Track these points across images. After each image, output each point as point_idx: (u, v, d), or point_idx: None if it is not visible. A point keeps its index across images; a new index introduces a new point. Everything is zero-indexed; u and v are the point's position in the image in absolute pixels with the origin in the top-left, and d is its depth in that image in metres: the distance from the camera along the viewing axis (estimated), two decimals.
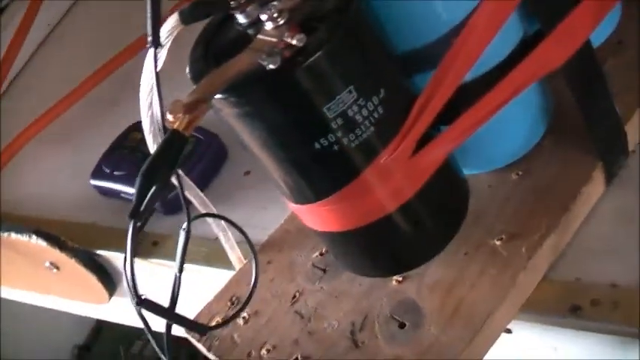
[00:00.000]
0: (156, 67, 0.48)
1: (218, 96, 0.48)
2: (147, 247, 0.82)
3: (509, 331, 0.61)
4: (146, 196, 0.45)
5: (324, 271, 0.65)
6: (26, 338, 1.77)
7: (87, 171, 0.93)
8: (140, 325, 0.51)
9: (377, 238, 0.57)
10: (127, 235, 0.47)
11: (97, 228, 0.89)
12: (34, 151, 1.07)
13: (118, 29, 1.17)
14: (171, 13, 0.49)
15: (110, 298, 0.91)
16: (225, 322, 0.58)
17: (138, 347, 1.87)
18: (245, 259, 0.68)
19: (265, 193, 0.74)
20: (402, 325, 0.58)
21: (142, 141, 0.55)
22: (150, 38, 0.47)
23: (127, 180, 0.87)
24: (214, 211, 0.64)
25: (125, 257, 0.48)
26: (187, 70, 0.51)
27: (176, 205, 0.75)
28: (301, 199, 0.55)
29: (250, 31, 0.50)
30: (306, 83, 0.47)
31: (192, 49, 0.52)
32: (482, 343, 0.56)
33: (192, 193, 0.62)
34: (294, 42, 0.46)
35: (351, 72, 0.49)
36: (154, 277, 0.76)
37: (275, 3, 0.47)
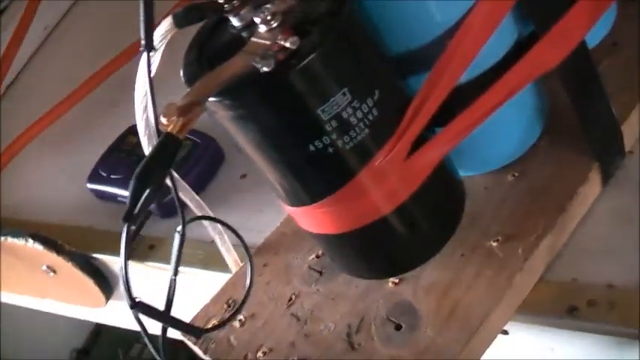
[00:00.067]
0: (149, 70, 0.48)
1: (212, 99, 0.48)
2: (143, 250, 0.82)
3: (506, 333, 0.60)
4: (140, 199, 0.44)
5: (321, 273, 0.64)
6: (25, 342, 1.77)
7: (84, 175, 0.93)
8: (137, 328, 0.51)
9: (373, 241, 0.57)
10: (123, 240, 0.47)
11: (93, 231, 0.89)
12: (31, 155, 1.07)
13: (117, 31, 1.16)
14: (168, 14, 0.49)
15: (107, 302, 0.91)
16: (220, 325, 0.58)
17: (137, 350, 1.87)
18: (241, 261, 0.68)
19: (261, 196, 0.74)
20: (398, 327, 0.58)
21: (139, 144, 0.55)
22: (143, 42, 0.47)
23: (124, 183, 0.86)
24: (210, 214, 0.64)
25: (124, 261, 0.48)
26: (181, 73, 0.51)
27: (172, 208, 0.74)
28: (296, 201, 0.55)
29: (244, 34, 0.50)
30: (300, 86, 0.47)
31: (186, 52, 0.52)
32: (479, 345, 0.56)
33: (188, 196, 0.62)
34: (287, 45, 0.46)
35: (344, 74, 0.49)
36: (150, 280, 0.76)
37: (268, 6, 0.47)
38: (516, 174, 0.62)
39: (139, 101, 0.53)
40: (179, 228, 0.52)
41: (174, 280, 0.53)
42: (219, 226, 0.65)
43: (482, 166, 0.63)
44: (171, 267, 0.53)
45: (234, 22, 0.50)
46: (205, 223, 0.64)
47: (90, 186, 0.92)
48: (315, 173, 0.52)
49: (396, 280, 0.60)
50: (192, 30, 0.53)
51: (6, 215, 0.98)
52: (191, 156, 0.84)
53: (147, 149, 0.54)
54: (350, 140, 0.50)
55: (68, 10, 1.35)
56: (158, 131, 0.50)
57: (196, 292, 0.69)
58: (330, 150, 0.50)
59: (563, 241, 0.60)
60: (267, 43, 0.46)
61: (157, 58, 0.50)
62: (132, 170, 0.45)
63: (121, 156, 0.90)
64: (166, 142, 0.45)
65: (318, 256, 0.66)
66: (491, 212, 0.61)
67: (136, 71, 0.51)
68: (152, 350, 0.53)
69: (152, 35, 0.47)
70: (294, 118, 0.49)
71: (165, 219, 0.83)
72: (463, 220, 0.60)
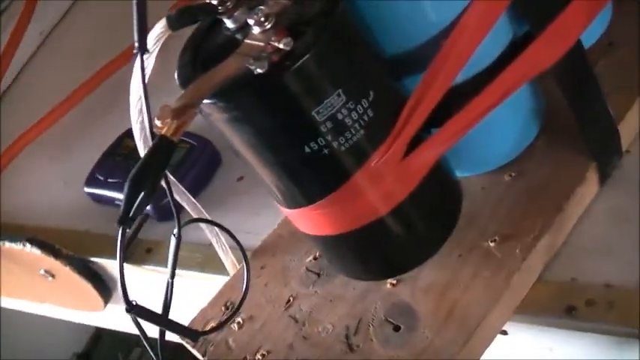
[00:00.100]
0: (143, 72, 0.48)
1: (207, 101, 0.48)
2: (141, 254, 0.82)
3: (504, 333, 0.60)
4: (135, 202, 0.44)
5: (318, 275, 0.64)
6: (26, 347, 1.77)
7: (81, 179, 0.93)
8: (136, 332, 0.51)
9: (370, 242, 0.57)
10: (115, 242, 0.47)
11: (91, 235, 0.89)
12: (28, 160, 1.07)
13: (113, 35, 1.16)
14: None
15: (105, 306, 0.91)
16: (216, 328, 0.58)
17: (137, 354, 1.87)
18: (239, 264, 0.68)
19: (258, 199, 0.74)
20: (396, 328, 0.57)
21: (135, 148, 0.55)
22: (136, 44, 0.46)
23: (121, 187, 0.84)
24: (207, 216, 0.64)
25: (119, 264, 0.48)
26: (176, 75, 0.51)
27: (170, 211, 0.73)
28: (293, 203, 0.55)
29: (238, 36, 0.50)
30: (294, 87, 0.47)
31: (181, 54, 0.52)
32: (477, 346, 0.55)
33: (185, 199, 0.62)
34: (281, 46, 0.46)
35: (339, 75, 0.49)
36: (149, 284, 0.75)
37: (262, 7, 0.47)
38: (513, 174, 0.62)
39: (134, 104, 0.52)
40: (175, 231, 0.52)
41: (171, 282, 0.53)
42: (215, 228, 0.64)
43: (479, 166, 0.63)
44: (168, 270, 0.53)
45: (228, 23, 0.50)
46: (202, 225, 0.64)
47: (87, 190, 0.92)
48: (310, 175, 0.52)
49: (394, 282, 0.60)
50: (188, 32, 0.53)
51: (3, 220, 0.98)
52: (188, 159, 0.84)
53: (142, 152, 0.54)
54: (345, 141, 0.50)
55: (64, 15, 1.35)
56: (152, 134, 0.50)
57: (194, 295, 0.68)
58: (326, 151, 0.50)
59: (560, 241, 0.59)
60: (261, 44, 0.46)
61: (151, 60, 0.50)
62: (129, 174, 0.45)
63: (117, 160, 0.90)
64: (160, 145, 0.45)
65: (315, 258, 0.65)
66: (489, 212, 0.61)
67: (131, 76, 0.51)
68: (151, 354, 0.53)
69: (145, 37, 0.47)
70: (289, 120, 0.49)
71: (162, 222, 0.83)
72: (460, 221, 0.60)
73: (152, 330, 0.51)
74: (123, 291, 0.47)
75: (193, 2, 0.50)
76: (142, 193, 0.45)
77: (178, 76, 0.51)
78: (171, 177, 0.58)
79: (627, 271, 0.56)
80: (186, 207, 0.63)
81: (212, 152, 0.86)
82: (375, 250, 0.58)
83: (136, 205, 0.45)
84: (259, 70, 0.46)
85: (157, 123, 0.45)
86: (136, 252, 0.82)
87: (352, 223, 0.55)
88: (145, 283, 0.77)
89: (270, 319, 0.63)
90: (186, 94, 0.46)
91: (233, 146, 0.53)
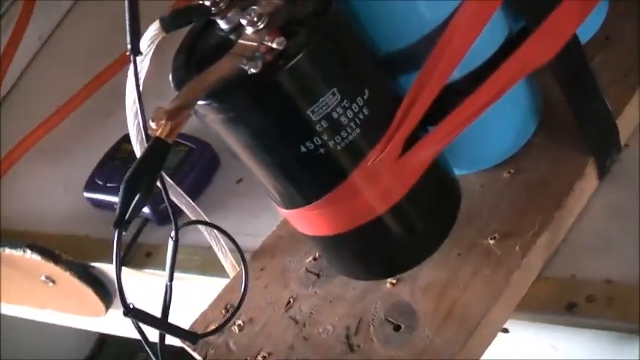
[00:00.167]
0: (137, 74, 0.48)
1: (201, 102, 0.48)
2: (141, 258, 0.81)
3: (506, 331, 0.60)
4: (130, 205, 0.44)
5: (318, 275, 0.64)
6: (29, 353, 1.77)
7: (80, 184, 0.93)
8: (137, 336, 0.51)
9: (368, 241, 0.57)
10: (113, 245, 0.47)
11: (90, 240, 0.88)
12: (27, 166, 1.06)
13: (111, 39, 1.16)
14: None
15: (107, 311, 0.91)
16: (215, 330, 0.57)
17: (140, 359, 1.86)
18: (239, 266, 0.68)
19: (258, 201, 0.73)
20: (396, 328, 0.57)
21: (134, 152, 0.55)
22: (129, 46, 0.46)
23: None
24: (205, 219, 0.64)
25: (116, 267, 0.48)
26: (170, 77, 0.51)
27: (169, 215, 0.74)
28: (291, 204, 0.55)
29: (232, 37, 0.49)
30: (289, 86, 0.47)
31: (175, 56, 0.52)
32: (478, 344, 0.55)
33: (183, 202, 0.62)
34: (274, 45, 0.46)
35: (333, 74, 0.48)
36: (149, 288, 0.75)
37: (255, 7, 0.47)
38: (512, 171, 0.62)
39: (129, 108, 0.52)
40: (172, 233, 0.52)
41: (170, 285, 0.53)
42: (214, 231, 0.64)
43: (477, 164, 0.63)
44: (166, 273, 0.53)
45: (222, 24, 0.50)
46: (202, 228, 0.64)
47: (86, 195, 0.92)
48: (307, 175, 0.52)
49: (394, 281, 0.60)
50: (184, 34, 0.53)
51: (3, 226, 0.98)
52: (186, 162, 0.84)
53: (139, 155, 0.54)
54: (341, 140, 0.50)
55: (62, 20, 1.35)
56: (147, 136, 0.50)
57: (195, 298, 0.68)
58: (322, 151, 0.50)
59: (560, 238, 0.59)
60: (254, 44, 0.46)
61: (145, 63, 0.50)
62: None
63: (116, 164, 0.90)
64: (155, 147, 0.45)
65: (315, 259, 0.65)
66: (488, 210, 0.60)
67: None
68: (152, 357, 0.53)
69: (138, 40, 0.47)
70: (284, 120, 0.49)
71: (162, 226, 0.83)
72: (459, 219, 0.59)
73: (154, 334, 0.51)
74: (120, 294, 0.47)
75: (190, 3, 0.50)
76: (138, 195, 0.44)
77: (173, 77, 0.51)
78: (169, 179, 0.58)
79: (627, 266, 0.55)
80: (185, 210, 0.63)
81: (211, 155, 0.86)
82: (374, 250, 0.58)
83: (131, 207, 0.45)
84: (253, 70, 0.46)
85: (152, 125, 0.45)
86: (136, 256, 0.81)
87: (350, 223, 0.55)
88: (145, 287, 0.77)
89: (271, 321, 0.63)
90: (180, 95, 0.46)
91: (229, 147, 0.53)
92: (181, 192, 0.61)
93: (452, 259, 0.58)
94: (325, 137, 0.49)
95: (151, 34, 0.49)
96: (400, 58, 0.54)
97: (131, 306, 0.48)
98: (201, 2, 0.49)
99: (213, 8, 0.49)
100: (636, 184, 0.59)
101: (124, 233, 0.46)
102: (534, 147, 0.62)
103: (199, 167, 0.85)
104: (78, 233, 0.90)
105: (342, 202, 0.53)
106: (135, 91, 0.50)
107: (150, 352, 0.54)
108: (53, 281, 0.90)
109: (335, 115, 0.49)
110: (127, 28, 0.46)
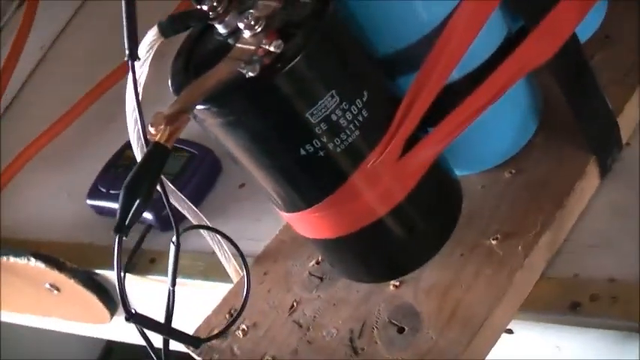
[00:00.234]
0: (135, 80, 0.48)
1: (200, 106, 0.48)
2: (145, 264, 0.81)
3: (510, 332, 0.60)
4: (131, 210, 0.44)
5: (321, 279, 0.64)
6: None
7: (83, 191, 0.93)
8: (142, 342, 0.51)
9: (370, 244, 0.57)
10: (115, 252, 0.47)
11: (94, 248, 0.89)
12: (30, 174, 1.07)
13: (112, 47, 1.16)
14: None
15: (112, 318, 0.91)
16: (218, 335, 0.58)
17: None
18: (242, 270, 0.68)
19: (260, 205, 0.73)
20: (400, 330, 0.57)
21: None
22: (127, 51, 0.46)
23: None
24: (207, 223, 0.64)
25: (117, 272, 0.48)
26: (169, 82, 0.51)
27: None
28: (292, 207, 0.55)
29: (230, 41, 0.50)
30: (287, 89, 0.47)
31: (174, 61, 0.52)
32: (482, 345, 0.55)
33: (185, 207, 0.62)
34: (272, 49, 0.46)
35: (331, 76, 0.48)
36: (153, 294, 0.75)
37: (252, 11, 0.47)
38: (513, 171, 0.62)
39: (129, 114, 0.52)
40: (174, 238, 0.52)
41: (172, 290, 0.53)
42: (217, 236, 0.64)
43: (478, 164, 0.63)
44: (168, 278, 0.53)
45: (220, 29, 0.50)
46: (204, 233, 0.64)
47: (90, 202, 0.92)
48: (307, 178, 0.52)
49: (397, 283, 0.60)
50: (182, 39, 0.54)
51: (6, 235, 0.98)
52: (188, 168, 0.84)
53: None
54: (341, 143, 0.50)
55: (63, 29, 1.35)
56: (147, 141, 0.50)
57: (199, 303, 0.68)
58: (322, 153, 0.50)
59: (562, 237, 0.59)
60: (252, 48, 0.46)
61: (144, 68, 0.50)
62: None
63: (119, 171, 0.90)
64: (154, 152, 0.45)
65: (317, 262, 0.65)
66: (489, 211, 0.60)
67: None
68: None
69: (136, 45, 0.47)
70: (283, 123, 0.49)
71: (165, 232, 0.83)
72: (461, 220, 0.59)
73: (159, 341, 0.51)
74: (122, 299, 0.47)
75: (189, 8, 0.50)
76: (138, 201, 0.44)
77: (172, 82, 0.51)
78: (170, 185, 0.58)
79: (630, 264, 0.55)
80: (188, 215, 0.63)
81: (213, 160, 0.86)
82: (376, 252, 0.58)
83: (132, 212, 0.45)
84: (251, 74, 0.46)
85: (151, 130, 0.45)
86: (140, 262, 0.81)
87: (351, 225, 0.55)
88: (150, 293, 0.77)
89: (275, 325, 0.63)
90: (178, 100, 0.46)
91: (229, 151, 0.53)
92: (183, 197, 0.61)
93: (454, 260, 0.58)
94: (325, 140, 0.49)
95: (149, 39, 0.49)
96: (399, 59, 0.54)
97: (133, 311, 0.48)
98: (199, 7, 0.49)
99: (211, 13, 0.49)
100: (638, 182, 0.59)
101: (127, 239, 0.46)
102: (535, 147, 0.62)
103: (201, 173, 0.85)
104: (82, 241, 0.90)
105: (342, 205, 0.53)
106: (134, 97, 0.50)
107: (154, 358, 0.54)
108: (58, 289, 0.90)
109: (334, 118, 0.49)
110: (125, 33, 0.46)
